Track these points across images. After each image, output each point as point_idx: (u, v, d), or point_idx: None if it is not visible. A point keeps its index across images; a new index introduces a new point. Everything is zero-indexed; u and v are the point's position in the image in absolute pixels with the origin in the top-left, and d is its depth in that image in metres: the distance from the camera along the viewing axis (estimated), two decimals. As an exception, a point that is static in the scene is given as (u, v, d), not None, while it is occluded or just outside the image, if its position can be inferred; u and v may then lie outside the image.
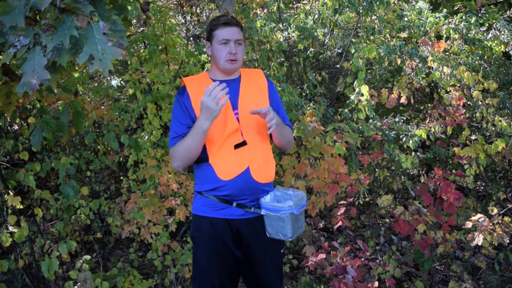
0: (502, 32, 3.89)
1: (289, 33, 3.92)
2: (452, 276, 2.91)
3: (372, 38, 4.01)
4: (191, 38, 5.03)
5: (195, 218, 1.89)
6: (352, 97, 3.31)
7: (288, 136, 1.94)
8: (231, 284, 1.90)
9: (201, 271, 1.86)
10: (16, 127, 3.96)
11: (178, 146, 1.79)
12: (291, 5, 5.15)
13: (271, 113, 1.75)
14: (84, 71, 3.85)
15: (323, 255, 2.71)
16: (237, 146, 1.79)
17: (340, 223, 2.92)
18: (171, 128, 1.88)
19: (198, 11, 5.77)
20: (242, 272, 1.95)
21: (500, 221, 2.59)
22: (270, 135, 1.92)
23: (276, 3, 4.35)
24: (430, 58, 3.63)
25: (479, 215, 2.65)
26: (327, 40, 4.23)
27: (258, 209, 1.82)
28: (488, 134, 3.83)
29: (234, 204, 1.80)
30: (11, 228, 2.51)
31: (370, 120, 3.26)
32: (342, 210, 2.99)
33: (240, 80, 1.90)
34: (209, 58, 2.17)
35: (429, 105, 4.13)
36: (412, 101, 4.06)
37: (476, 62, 3.78)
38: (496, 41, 3.87)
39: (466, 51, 3.78)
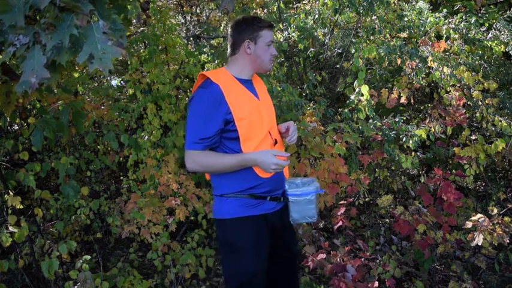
0: (502, 32, 3.89)
1: (289, 33, 3.92)
2: (452, 276, 2.91)
3: (372, 38, 4.01)
4: (191, 38, 5.03)
5: (233, 222, 1.79)
6: (352, 97, 3.30)
7: None
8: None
9: (253, 276, 1.81)
10: (16, 127, 3.96)
11: (208, 160, 1.73)
12: (291, 5, 5.15)
13: (295, 130, 1.95)
14: (84, 71, 3.84)
15: (323, 255, 2.71)
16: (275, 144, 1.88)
17: (340, 223, 2.92)
18: (195, 128, 1.72)
19: (198, 11, 5.77)
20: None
21: (500, 221, 2.58)
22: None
23: (276, 3, 4.35)
24: (430, 58, 3.63)
25: (479, 215, 2.64)
26: (327, 40, 4.23)
27: (286, 198, 1.88)
28: (488, 134, 3.82)
29: (268, 198, 1.83)
30: (11, 228, 2.51)
31: (370, 120, 3.25)
32: (342, 210, 2.99)
33: (253, 81, 1.93)
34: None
35: (429, 105, 4.13)
36: (412, 101, 4.05)
37: (476, 62, 3.78)
38: (496, 41, 3.87)
39: (466, 51, 3.78)
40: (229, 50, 1.88)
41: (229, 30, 1.88)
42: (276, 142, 1.89)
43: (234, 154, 1.75)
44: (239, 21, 1.85)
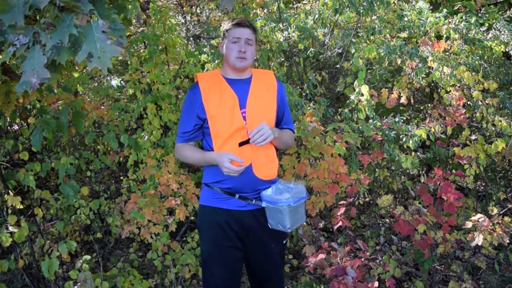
0: (502, 32, 3.88)
1: (289, 33, 3.91)
2: (452, 276, 2.91)
3: (372, 38, 4.01)
4: (191, 38, 5.02)
5: (201, 208, 2.01)
6: (352, 97, 3.30)
7: (287, 141, 2.08)
8: (232, 274, 1.95)
9: (204, 259, 1.96)
10: (16, 127, 3.96)
11: (186, 154, 1.98)
12: (291, 5, 5.14)
13: (261, 130, 1.81)
14: (84, 71, 3.84)
15: (323, 256, 2.71)
16: (241, 144, 1.88)
17: (340, 223, 2.92)
18: (179, 123, 2.01)
19: (198, 11, 5.77)
20: (245, 264, 2.04)
21: (500, 221, 2.58)
22: None
23: (276, 3, 4.34)
24: (430, 58, 3.62)
25: (479, 215, 2.64)
26: (327, 40, 4.22)
27: (259, 201, 1.90)
28: (488, 134, 3.82)
29: (237, 196, 1.90)
30: (11, 228, 2.51)
31: (370, 120, 3.25)
32: (342, 210, 2.99)
33: (251, 80, 1.98)
34: (220, 57, 2.24)
35: (429, 105, 4.12)
36: (412, 101, 4.05)
37: (476, 62, 3.77)
38: (496, 41, 3.86)
39: (466, 51, 3.78)
40: None
41: None
42: (248, 141, 1.85)
43: (202, 151, 1.96)
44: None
